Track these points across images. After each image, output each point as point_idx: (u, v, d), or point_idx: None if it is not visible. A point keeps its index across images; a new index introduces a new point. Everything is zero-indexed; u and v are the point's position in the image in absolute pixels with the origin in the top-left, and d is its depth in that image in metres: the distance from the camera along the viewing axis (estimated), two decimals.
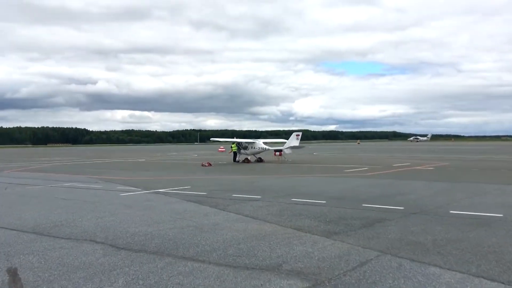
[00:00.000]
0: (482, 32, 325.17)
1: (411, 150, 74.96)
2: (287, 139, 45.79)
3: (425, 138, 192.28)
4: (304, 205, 14.14)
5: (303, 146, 45.66)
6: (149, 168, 36.26)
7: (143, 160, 49.94)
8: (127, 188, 19.78)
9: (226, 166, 37.82)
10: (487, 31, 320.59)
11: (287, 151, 41.80)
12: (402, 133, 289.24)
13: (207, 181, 22.98)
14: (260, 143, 42.83)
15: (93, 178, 25.50)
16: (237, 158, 42.58)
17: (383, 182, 22.00)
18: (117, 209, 13.77)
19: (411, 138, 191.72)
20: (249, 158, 42.30)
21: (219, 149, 76.28)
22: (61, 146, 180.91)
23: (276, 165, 37.14)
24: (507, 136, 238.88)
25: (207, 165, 37.00)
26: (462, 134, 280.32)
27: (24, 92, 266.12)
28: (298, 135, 41.86)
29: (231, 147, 43.68)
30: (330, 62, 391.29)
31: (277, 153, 41.94)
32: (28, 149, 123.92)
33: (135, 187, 19.98)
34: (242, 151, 42.38)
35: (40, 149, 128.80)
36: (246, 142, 42.89)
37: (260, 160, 42.88)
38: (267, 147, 42.52)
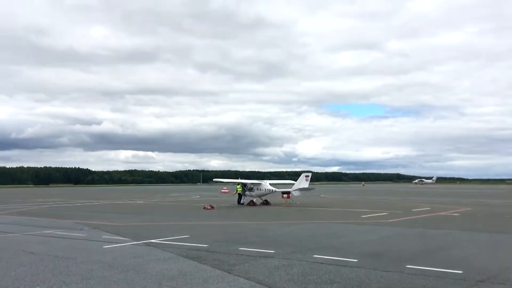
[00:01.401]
0: (485, 77, 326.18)
1: (422, 193, 71.56)
2: (293, 180, 42.90)
3: (430, 180, 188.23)
4: (332, 266, 11.07)
5: (313, 188, 42.60)
6: (146, 211, 33.15)
7: (141, 202, 46.83)
8: (114, 237, 16.73)
9: (230, 209, 34.71)
10: (490, 76, 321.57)
11: (295, 193, 38.68)
12: (406, 176, 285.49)
13: (209, 228, 19.93)
14: (266, 184, 39.80)
15: (80, 224, 22.46)
16: (241, 201, 39.47)
17: (414, 232, 18.87)
18: (92, 270, 10.72)
19: (416, 181, 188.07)
20: (254, 200, 39.19)
21: (222, 190, 73.20)
22: (63, 186, 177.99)
23: (284, 209, 34.02)
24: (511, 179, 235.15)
25: (209, 208, 33.94)
26: (465, 177, 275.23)
27: (29, 132, 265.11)
28: (308, 176, 38.84)
29: (237, 188, 40.63)
30: (334, 104, 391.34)
31: (285, 195, 38.83)
32: (28, 190, 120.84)
33: (124, 237, 16.93)
34: (247, 192, 39.32)
35: (40, 189, 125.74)
36: (251, 183, 39.88)
37: (266, 203, 39.76)
38: (274, 188, 39.45)
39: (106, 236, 17.04)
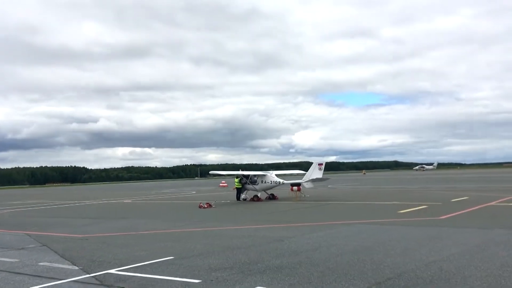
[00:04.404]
0: (481, 61, 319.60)
1: (436, 180, 65.71)
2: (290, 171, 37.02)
3: (431, 166, 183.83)
4: None
5: (328, 178, 36.78)
6: (129, 213, 27.24)
7: (129, 201, 40.85)
8: (55, 265, 10.77)
9: (231, 207, 28.83)
10: (486, 60, 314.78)
11: (307, 185, 32.80)
12: (404, 163, 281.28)
13: (204, 240, 14.02)
14: (272, 175, 33.93)
15: (31, 237, 16.52)
16: (242, 196, 33.56)
17: (499, 237, 13.00)
18: None
19: (417, 167, 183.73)
20: (259, 195, 33.34)
21: (221, 184, 67.52)
22: (59, 185, 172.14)
23: (297, 205, 28.15)
24: (508, 162, 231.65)
25: (206, 206, 28.07)
26: (463, 162, 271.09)
27: (25, 132, 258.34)
28: (321, 164, 32.95)
29: (235, 181, 34.66)
30: (330, 94, 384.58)
31: (295, 187, 32.94)
32: (17, 191, 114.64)
33: (72, 262, 10.98)
34: (250, 186, 33.45)
35: (32, 190, 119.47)
36: (254, 175, 33.98)
37: (272, 197, 33.96)
38: (281, 180, 33.58)
39: (44, 263, 11.06)
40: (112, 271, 9.79)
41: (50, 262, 11.20)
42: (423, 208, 23.10)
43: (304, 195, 34.18)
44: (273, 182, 33.30)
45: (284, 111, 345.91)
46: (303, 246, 12.13)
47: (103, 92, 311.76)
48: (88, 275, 9.50)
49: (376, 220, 18.27)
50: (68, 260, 11.29)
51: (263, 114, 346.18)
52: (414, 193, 35.95)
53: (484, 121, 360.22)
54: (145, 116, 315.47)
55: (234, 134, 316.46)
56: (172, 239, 14.51)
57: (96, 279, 9.15)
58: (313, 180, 32.40)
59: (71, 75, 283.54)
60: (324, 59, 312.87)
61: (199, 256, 11.14)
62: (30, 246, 14.29)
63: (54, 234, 17.30)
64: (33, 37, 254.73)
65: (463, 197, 30.02)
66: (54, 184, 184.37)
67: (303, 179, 33.36)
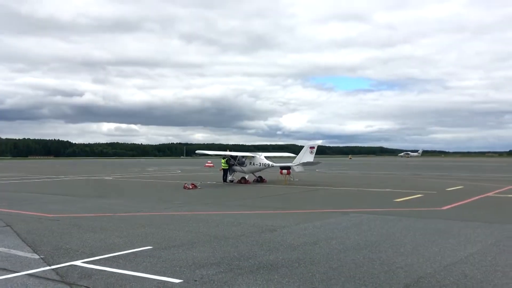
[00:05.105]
0: (470, 50, 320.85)
1: (424, 167, 65.08)
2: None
3: (416, 153, 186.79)
4: None
5: (319, 162, 35.45)
6: (110, 191, 25.69)
7: (110, 178, 39.21)
8: (13, 252, 9.28)
9: (217, 189, 27.43)
10: (475, 49, 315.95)
11: (297, 169, 31.46)
12: (389, 149, 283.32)
13: (188, 227, 12.61)
14: (261, 157, 32.53)
15: None
16: (229, 178, 32.19)
17: None
18: None
19: (402, 154, 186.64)
20: (246, 177, 32.00)
21: (206, 164, 66.04)
22: (41, 159, 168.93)
23: (286, 189, 26.89)
24: (492, 152, 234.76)
25: (191, 187, 26.65)
26: (446, 150, 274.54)
27: (9, 103, 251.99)
28: (313, 147, 31.58)
29: (221, 162, 33.14)
30: (320, 77, 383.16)
31: (285, 171, 31.61)
32: None
33: (34, 249, 9.50)
34: (238, 167, 32.07)
35: (12, 162, 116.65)
36: (242, 156, 32.56)
37: (260, 180, 32.61)
38: (270, 162, 32.22)
39: (1, 249, 9.57)
40: (78, 262, 8.32)
41: (8, 248, 9.69)
42: (419, 196, 21.98)
43: (293, 179, 32.96)
44: (262, 164, 31.94)
45: (272, 93, 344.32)
46: (299, 239, 10.79)
47: (90, 65, 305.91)
48: (48, 267, 8.02)
49: (373, 209, 17.02)
50: (30, 246, 9.79)
51: (251, 95, 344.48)
52: (406, 180, 34.95)
53: (470, 110, 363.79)
54: (132, 92, 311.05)
55: (221, 114, 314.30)
56: (152, 224, 13.06)
57: (57, 273, 7.67)
58: (304, 164, 31.07)
59: (57, 46, 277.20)
60: (315, 42, 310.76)
61: (181, 247, 9.74)
62: None
63: (23, 212, 15.73)
64: (20, 5, 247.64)
65: (457, 186, 29.08)
66: (37, 157, 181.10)
67: (293, 162, 32.04)
